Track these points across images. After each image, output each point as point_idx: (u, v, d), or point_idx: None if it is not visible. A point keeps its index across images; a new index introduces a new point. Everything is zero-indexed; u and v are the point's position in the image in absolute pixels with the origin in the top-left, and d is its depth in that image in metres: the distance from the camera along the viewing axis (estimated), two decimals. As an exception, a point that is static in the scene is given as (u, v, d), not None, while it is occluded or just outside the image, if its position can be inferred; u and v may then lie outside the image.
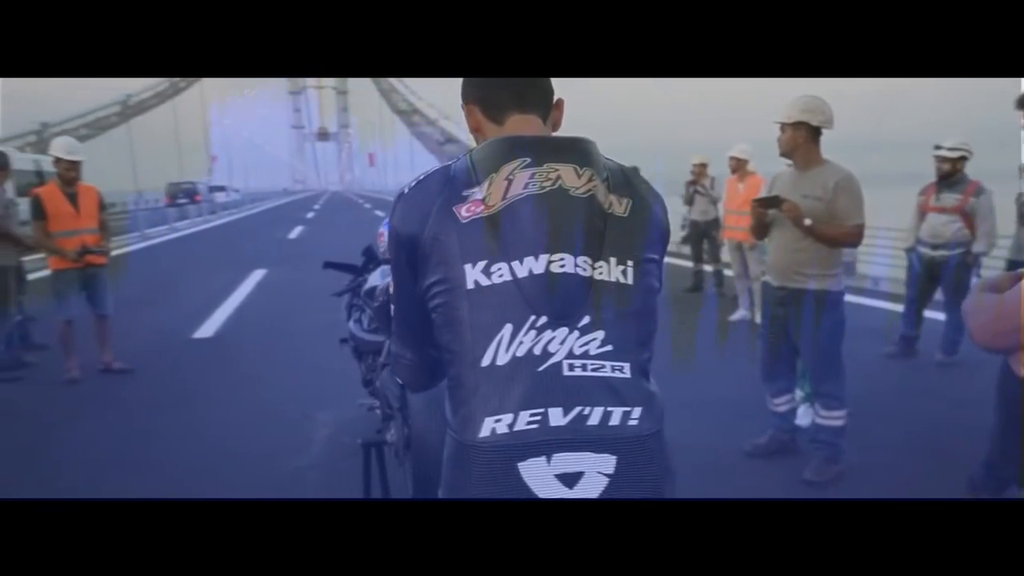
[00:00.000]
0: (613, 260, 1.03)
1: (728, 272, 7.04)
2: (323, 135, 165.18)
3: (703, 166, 7.61)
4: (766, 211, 3.18)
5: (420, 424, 2.61)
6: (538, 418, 0.96)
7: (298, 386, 4.68)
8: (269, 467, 3.42)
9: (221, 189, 43.14)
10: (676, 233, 8.87)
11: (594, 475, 0.96)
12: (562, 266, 1.00)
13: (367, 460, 2.68)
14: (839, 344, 3.11)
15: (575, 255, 1.01)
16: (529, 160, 1.04)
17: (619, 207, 1.06)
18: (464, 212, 1.01)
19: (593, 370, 0.99)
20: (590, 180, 1.04)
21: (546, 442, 0.95)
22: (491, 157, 1.04)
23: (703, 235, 7.73)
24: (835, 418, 3.14)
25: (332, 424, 3.95)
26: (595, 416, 0.97)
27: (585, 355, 0.99)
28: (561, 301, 0.99)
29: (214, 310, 7.35)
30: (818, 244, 3.03)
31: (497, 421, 0.96)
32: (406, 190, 1.07)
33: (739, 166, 6.33)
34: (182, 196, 33.18)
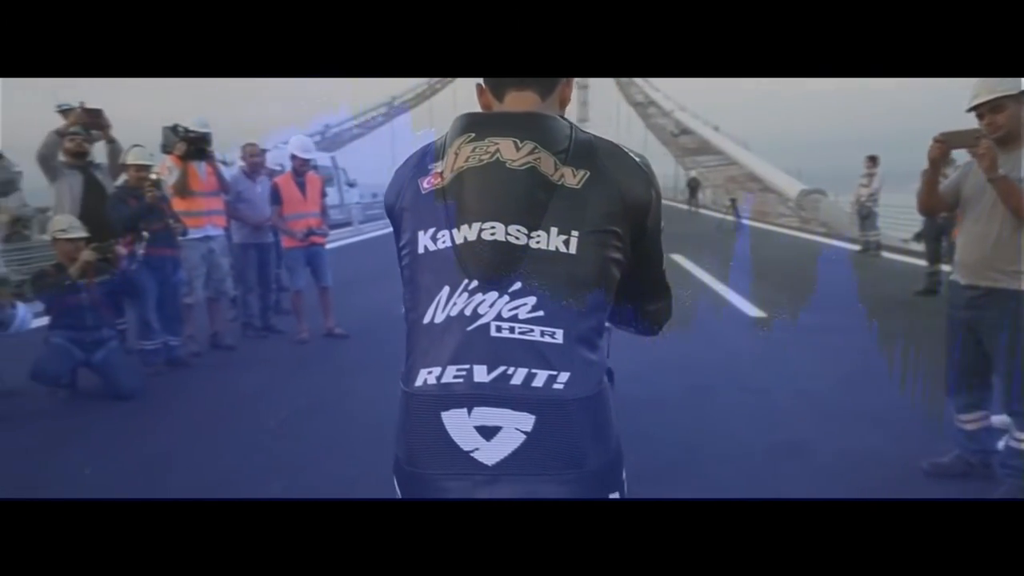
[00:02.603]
0: (554, 230, 1.06)
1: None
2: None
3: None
4: (947, 154, 2.68)
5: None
6: (464, 373, 1.03)
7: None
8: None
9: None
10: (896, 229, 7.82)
11: (512, 431, 1.01)
12: (492, 234, 1.06)
13: None
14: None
15: (506, 224, 1.06)
16: (474, 135, 1.11)
17: (572, 179, 1.08)
18: (425, 184, 1.12)
19: (521, 333, 1.03)
20: (531, 153, 1.08)
21: (469, 395, 1.02)
22: (452, 132, 1.14)
23: (940, 232, 6.80)
24: (1036, 444, 2.67)
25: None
26: (518, 376, 1.02)
27: (514, 319, 1.04)
28: (491, 267, 1.05)
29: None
30: (1020, 234, 2.58)
31: (429, 373, 1.05)
32: (398, 166, 1.20)
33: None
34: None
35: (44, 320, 4.62)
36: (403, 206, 1.14)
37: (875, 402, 4.05)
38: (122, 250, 4.73)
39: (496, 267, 1.05)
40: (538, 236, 1.06)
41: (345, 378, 4.83)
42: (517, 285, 1.05)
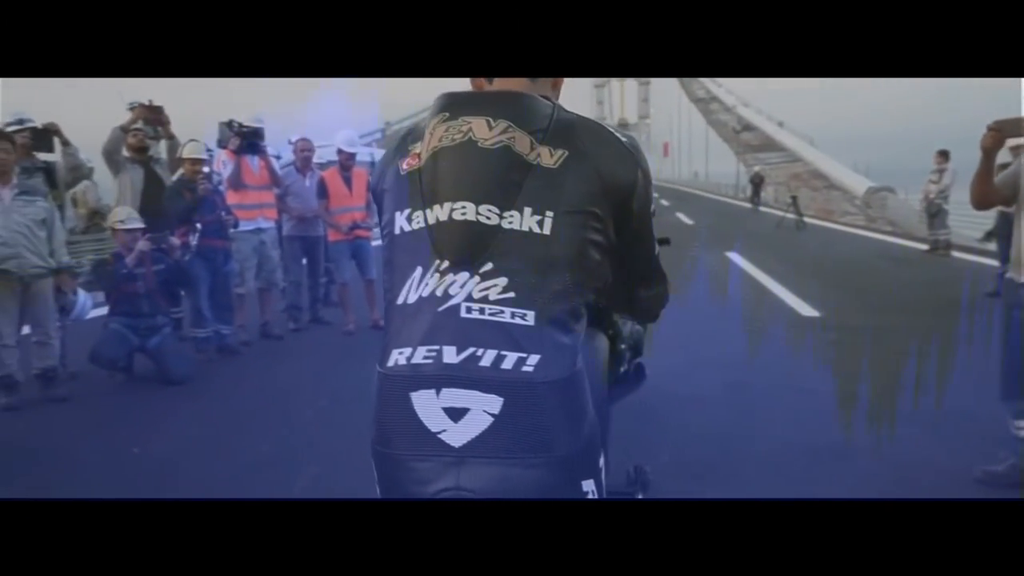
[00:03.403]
0: (528, 210, 1.04)
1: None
2: (623, 126, 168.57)
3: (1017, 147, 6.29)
4: (1001, 142, 2.52)
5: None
6: (433, 354, 1.02)
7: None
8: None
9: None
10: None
11: (480, 413, 0.99)
12: (463, 214, 1.05)
13: None
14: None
15: (477, 203, 1.05)
16: (448, 114, 1.10)
17: (549, 158, 1.06)
18: (404, 165, 1.12)
19: (491, 314, 1.02)
20: (504, 132, 1.06)
21: (438, 376, 1.01)
22: (431, 112, 1.13)
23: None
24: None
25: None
26: (487, 358, 1.00)
27: (484, 300, 1.02)
28: (462, 247, 1.04)
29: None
30: None
31: (400, 353, 1.05)
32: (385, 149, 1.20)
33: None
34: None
35: (104, 309, 4.85)
36: (384, 187, 1.14)
37: (928, 407, 3.86)
38: (176, 241, 4.91)
39: (467, 248, 1.04)
40: (511, 216, 1.04)
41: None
42: (488, 266, 1.04)
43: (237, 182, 5.56)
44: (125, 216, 4.76)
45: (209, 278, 5.17)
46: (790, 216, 16.82)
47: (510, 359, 1.00)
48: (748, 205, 25.28)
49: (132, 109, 6.00)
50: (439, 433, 1.00)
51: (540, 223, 1.04)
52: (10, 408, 4.18)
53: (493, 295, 1.02)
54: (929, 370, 4.53)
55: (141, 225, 4.75)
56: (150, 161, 5.63)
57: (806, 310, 6.81)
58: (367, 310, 6.04)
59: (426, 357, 1.02)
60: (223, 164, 5.64)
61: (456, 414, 1.00)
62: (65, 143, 5.32)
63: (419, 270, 1.07)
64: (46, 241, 4.28)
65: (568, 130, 1.09)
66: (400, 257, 1.10)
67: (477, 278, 1.03)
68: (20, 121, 5.14)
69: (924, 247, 11.39)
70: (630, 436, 3.46)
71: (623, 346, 3.41)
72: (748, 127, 43.97)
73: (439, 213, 1.07)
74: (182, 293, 5.45)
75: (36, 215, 4.25)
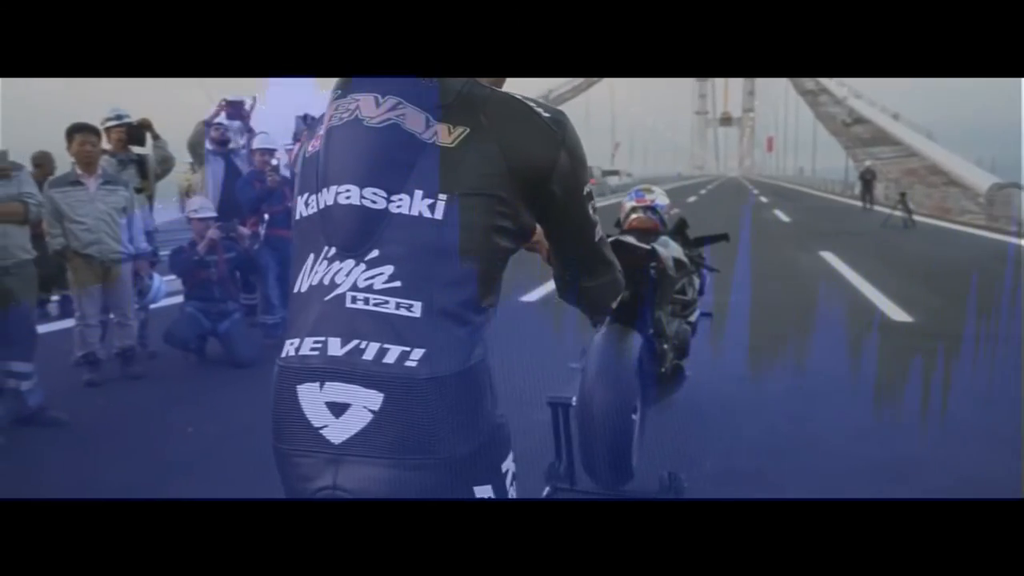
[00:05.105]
0: (419, 193, 0.96)
1: None
2: (726, 120, 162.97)
3: None
4: None
5: (586, 387, 2.60)
6: (319, 346, 0.95)
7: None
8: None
9: (615, 173, 45.75)
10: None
11: (360, 409, 0.92)
12: (348, 197, 0.98)
13: (554, 418, 2.79)
14: None
15: (362, 186, 0.97)
16: (340, 92, 1.04)
17: (446, 136, 0.97)
18: (310, 148, 1.06)
19: (375, 305, 0.94)
20: (393, 109, 0.98)
21: (323, 369, 0.95)
22: (331, 90, 1.07)
23: None
24: None
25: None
26: (370, 351, 0.93)
27: (369, 289, 0.95)
28: (346, 233, 0.97)
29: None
30: None
31: (291, 344, 0.99)
32: None
33: None
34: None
35: (180, 296, 5.11)
36: (295, 172, 1.10)
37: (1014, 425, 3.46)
38: (245, 230, 5.11)
39: (352, 234, 0.98)
40: (399, 200, 0.97)
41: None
42: (374, 253, 0.96)
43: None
44: (198, 205, 5.00)
45: (277, 267, 5.35)
46: (897, 214, 15.73)
47: (393, 353, 0.93)
48: (858, 203, 23.78)
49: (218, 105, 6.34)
50: (320, 429, 0.94)
51: (432, 207, 0.96)
52: (93, 384, 4.48)
53: (378, 284, 0.95)
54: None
55: (213, 214, 4.97)
56: (231, 154, 5.90)
57: (898, 314, 6.32)
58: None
59: (312, 349, 0.96)
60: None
61: (338, 409, 0.94)
62: (156, 137, 5.65)
63: (311, 257, 1.01)
64: (126, 228, 4.55)
65: (474, 106, 1.00)
66: (297, 243, 1.05)
67: (363, 266, 0.96)
68: (118, 116, 5.50)
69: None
70: (674, 440, 3.30)
71: (665, 345, 3.26)
72: (859, 120, 41.46)
73: (326, 197, 1.01)
74: (255, 280, 5.67)
75: (117, 203, 4.52)
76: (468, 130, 0.98)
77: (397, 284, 0.95)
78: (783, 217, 19.18)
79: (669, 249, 3.19)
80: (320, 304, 0.97)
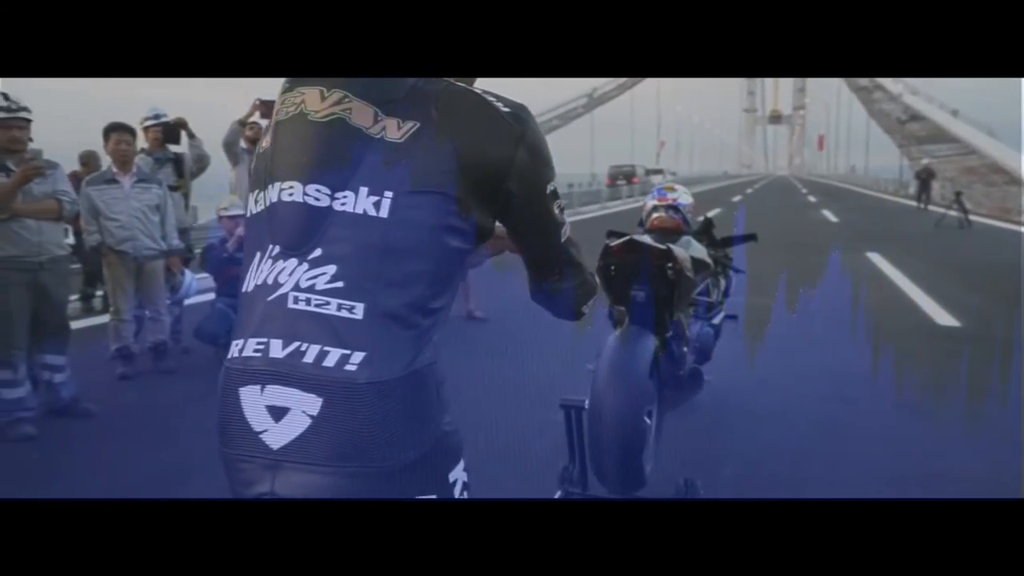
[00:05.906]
0: (364, 190, 0.92)
1: None
2: (775, 118, 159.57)
3: None
4: None
5: (597, 389, 2.54)
6: (262, 347, 0.93)
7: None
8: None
9: (658, 172, 45.17)
10: None
11: (299, 414, 0.89)
12: (291, 195, 0.95)
13: (567, 421, 2.74)
14: None
15: (304, 183, 0.94)
16: (288, 86, 1.01)
17: (395, 132, 0.93)
18: (263, 144, 1.04)
19: (317, 306, 0.91)
20: (338, 103, 0.95)
21: (264, 372, 0.92)
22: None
23: None
24: None
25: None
26: (311, 354, 0.90)
27: (311, 289, 0.92)
28: (289, 231, 0.95)
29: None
30: None
31: (236, 345, 0.97)
32: None
33: None
34: (621, 178, 35.93)
35: (211, 292, 5.21)
36: (251, 168, 1.08)
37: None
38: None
39: (295, 232, 0.95)
40: (344, 197, 0.94)
41: (475, 359, 4.86)
42: (317, 252, 0.94)
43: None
44: (228, 204, 5.09)
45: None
46: (952, 214, 15.13)
47: (333, 356, 0.90)
48: (912, 203, 22.97)
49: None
50: (260, 433, 0.92)
51: (377, 205, 0.92)
52: (125, 377, 4.59)
53: (320, 284, 0.92)
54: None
55: (242, 212, 5.04)
56: (265, 153, 6.00)
57: (944, 319, 6.05)
58: (461, 300, 6.07)
59: (255, 350, 0.94)
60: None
61: (278, 413, 0.91)
62: (191, 136, 5.78)
63: (257, 256, 0.99)
64: (159, 225, 4.66)
65: (427, 100, 0.96)
66: (247, 241, 1.04)
67: (306, 265, 0.94)
68: (156, 116, 5.64)
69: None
70: (692, 446, 3.21)
71: (684, 348, 3.17)
72: (915, 117, 40.09)
73: (271, 194, 0.98)
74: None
75: (151, 201, 4.63)
76: (418, 125, 0.95)
77: (339, 284, 0.92)
78: (831, 217, 18.66)
79: (690, 249, 3.10)
80: (264, 304, 0.95)
